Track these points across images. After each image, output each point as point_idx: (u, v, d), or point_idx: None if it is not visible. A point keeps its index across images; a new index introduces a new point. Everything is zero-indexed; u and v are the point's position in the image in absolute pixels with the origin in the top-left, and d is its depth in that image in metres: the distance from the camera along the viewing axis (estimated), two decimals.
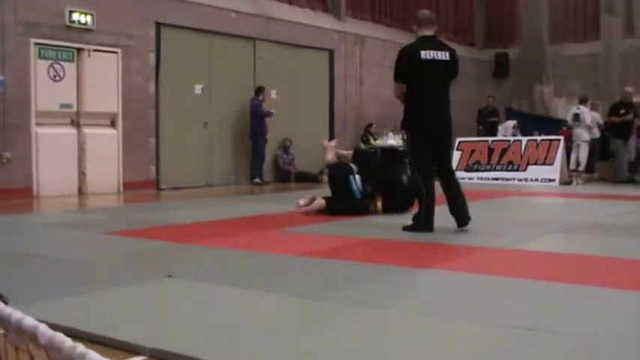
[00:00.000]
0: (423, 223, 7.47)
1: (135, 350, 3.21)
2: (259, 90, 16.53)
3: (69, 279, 5.15)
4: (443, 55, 7.44)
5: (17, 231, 8.14)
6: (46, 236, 7.74)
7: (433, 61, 7.36)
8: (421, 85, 7.42)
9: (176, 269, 5.21)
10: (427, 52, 7.37)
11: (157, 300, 4.38)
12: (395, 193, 9.54)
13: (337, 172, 9.77)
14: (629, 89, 16.90)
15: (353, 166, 9.67)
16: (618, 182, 16.01)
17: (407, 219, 8.13)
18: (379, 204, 9.53)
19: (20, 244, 6.99)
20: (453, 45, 25.73)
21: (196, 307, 4.18)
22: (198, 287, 4.69)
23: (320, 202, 9.29)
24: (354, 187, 9.38)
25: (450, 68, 7.53)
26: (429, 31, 7.59)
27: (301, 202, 9.56)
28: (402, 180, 9.72)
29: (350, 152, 10.49)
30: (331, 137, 17.85)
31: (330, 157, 10.19)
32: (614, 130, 16.68)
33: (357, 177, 9.51)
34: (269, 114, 16.27)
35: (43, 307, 3.88)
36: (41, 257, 6.11)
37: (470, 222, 7.45)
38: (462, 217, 7.50)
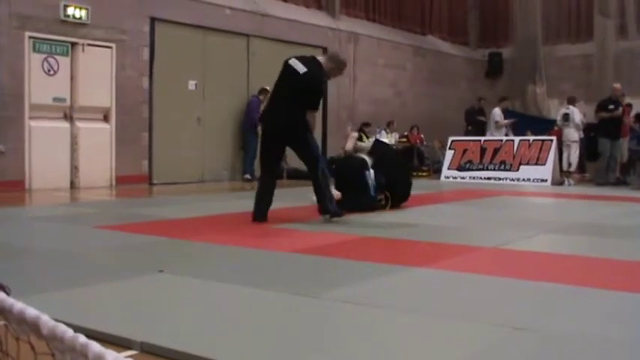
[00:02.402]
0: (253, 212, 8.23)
1: (126, 344, 3.22)
2: (262, 91, 16.53)
3: (60, 273, 5.15)
4: (301, 68, 8.06)
5: (9, 224, 8.12)
6: (37, 230, 7.74)
7: (291, 68, 8.10)
8: (275, 86, 8.35)
9: (168, 264, 5.22)
10: (295, 60, 8.20)
11: (148, 295, 4.39)
12: (401, 189, 9.96)
13: (354, 164, 9.78)
14: (617, 85, 16.79)
15: (368, 159, 9.72)
16: (601, 184, 15.77)
17: (400, 218, 8.16)
18: (384, 199, 9.77)
19: (11, 237, 6.98)
20: (446, 44, 25.66)
21: (187, 302, 4.20)
22: (190, 282, 4.70)
23: (337, 193, 9.13)
24: (370, 181, 9.42)
25: (299, 80, 8.02)
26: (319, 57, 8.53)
27: (314, 197, 9.34)
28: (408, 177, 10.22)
29: (369, 144, 10.48)
30: (324, 133, 17.95)
31: (350, 146, 10.16)
32: (601, 129, 16.48)
33: (372, 171, 9.57)
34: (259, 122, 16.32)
35: (33, 301, 3.87)
36: (32, 251, 6.12)
37: (329, 217, 8.03)
38: (320, 210, 8.17)
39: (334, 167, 10.30)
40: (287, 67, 8.18)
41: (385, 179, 9.76)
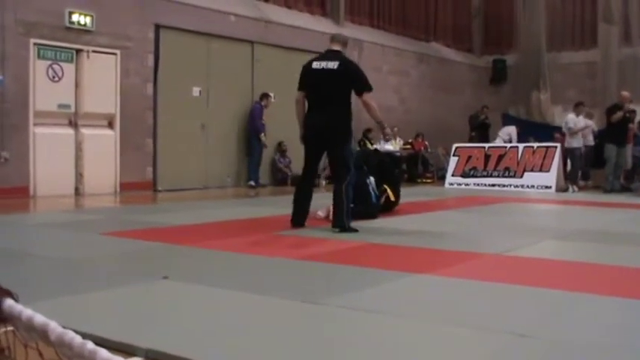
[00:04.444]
0: (291, 218, 8.34)
1: (131, 351, 3.23)
2: (263, 96, 16.57)
3: (64, 279, 5.16)
4: (332, 65, 8.05)
5: (13, 230, 8.14)
6: (42, 236, 7.75)
7: (322, 70, 8.06)
8: (310, 92, 8.22)
9: (172, 271, 5.22)
10: (319, 62, 8.17)
11: (153, 301, 4.40)
12: (396, 181, 10.36)
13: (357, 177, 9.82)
14: (625, 93, 16.69)
15: (364, 167, 9.78)
16: (609, 191, 15.71)
17: (404, 224, 8.15)
18: (391, 194, 9.78)
19: (16, 243, 6.99)
20: (451, 51, 25.67)
21: (192, 308, 4.20)
22: (195, 289, 4.71)
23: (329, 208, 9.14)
24: (371, 189, 9.46)
25: (337, 76, 8.01)
26: (334, 47, 8.35)
27: (320, 213, 9.18)
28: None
29: None
30: None
31: None
32: (608, 135, 16.41)
33: (372, 179, 9.60)
34: (262, 129, 16.36)
35: (38, 308, 3.87)
36: (37, 257, 6.12)
37: (339, 230, 7.88)
38: (334, 222, 8.06)
39: None
40: (316, 72, 8.13)
41: (376, 176, 9.88)
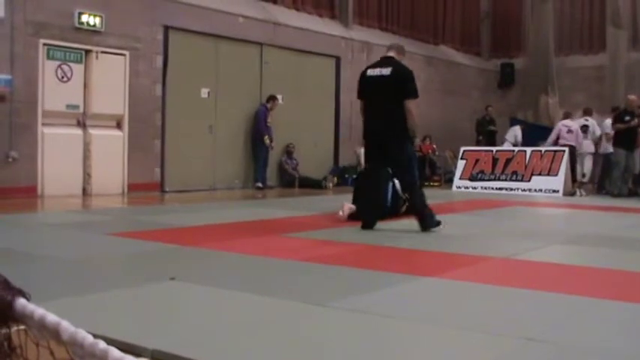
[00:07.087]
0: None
1: (137, 352, 3.22)
2: (270, 98, 16.57)
3: (71, 279, 5.17)
4: (385, 71, 8.27)
5: (21, 230, 8.16)
6: (49, 236, 7.77)
7: (376, 77, 8.30)
8: (367, 99, 8.48)
9: (179, 272, 5.22)
10: (373, 69, 8.42)
11: (159, 302, 4.40)
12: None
13: (380, 177, 9.80)
14: (632, 97, 16.64)
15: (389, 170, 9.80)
16: (616, 196, 15.67)
17: (411, 227, 8.15)
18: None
19: (23, 243, 7.01)
20: (459, 55, 25.59)
21: (199, 309, 4.20)
22: (201, 290, 4.71)
23: (351, 207, 9.25)
24: (389, 194, 9.45)
25: (390, 82, 8.20)
26: (389, 53, 8.59)
27: (341, 213, 9.17)
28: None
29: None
30: (336, 142, 18.12)
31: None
32: (617, 139, 16.37)
33: (396, 182, 9.60)
34: (265, 131, 16.33)
35: (45, 308, 3.89)
36: (44, 257, 6.14)
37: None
38: (421, 228, 8.28)
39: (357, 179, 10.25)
40: (370, 79, 8.38)
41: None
